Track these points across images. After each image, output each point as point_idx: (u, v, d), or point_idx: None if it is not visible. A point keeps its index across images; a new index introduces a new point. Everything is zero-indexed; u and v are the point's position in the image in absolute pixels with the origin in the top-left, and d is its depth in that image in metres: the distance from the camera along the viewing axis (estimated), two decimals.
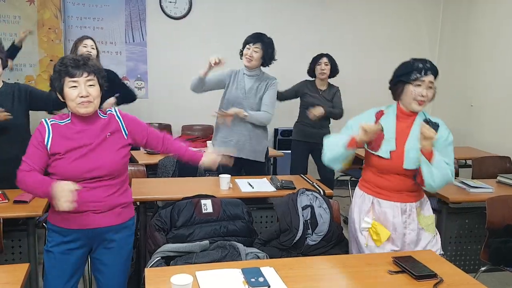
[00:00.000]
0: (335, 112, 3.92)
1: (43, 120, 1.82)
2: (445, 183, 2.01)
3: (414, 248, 2.12)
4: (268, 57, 3.09)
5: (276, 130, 5.14)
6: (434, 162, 1.95)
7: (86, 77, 1.76)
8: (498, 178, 3.17)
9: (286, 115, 4.39)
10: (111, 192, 1.86)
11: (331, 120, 4.10)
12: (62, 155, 1.77)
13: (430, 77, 2.03)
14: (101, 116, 1.88)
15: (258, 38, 3.08)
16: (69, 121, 1.82)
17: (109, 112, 1.91)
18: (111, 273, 1.94)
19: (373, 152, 2.10)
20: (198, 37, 5.03)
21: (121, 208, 1.91)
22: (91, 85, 1.78)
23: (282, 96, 3.90)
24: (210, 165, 2.17)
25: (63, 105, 1.84)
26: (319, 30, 5.21)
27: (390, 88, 2.17)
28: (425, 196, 2.22)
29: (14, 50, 3.85)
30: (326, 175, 4.11)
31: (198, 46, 5.05)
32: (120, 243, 1.93)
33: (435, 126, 2.03)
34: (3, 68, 2.53)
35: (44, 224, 2.79)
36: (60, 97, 1.80)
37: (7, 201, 2.32)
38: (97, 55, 3.52)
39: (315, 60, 3.98)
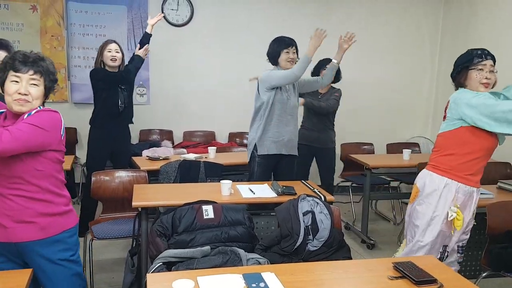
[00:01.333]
0: (318, 105, 3.96)
1: None
2: None
3: (465, 233, 2.38)
4: None
5: None
6: None
7: (30, 75, 1.69)
8: (499, 184, 3.17)
9: None
10: (23, 201, 1.69)
11: (335, 123, 4.14)
12: None
13: (490, 61, 2.24)
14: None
15: (293, 41, 3.21)
16: (3, 114, 1.76)
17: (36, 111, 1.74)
18: None
19: (494, 131, 2.18)
20: (199, 44, 5.07)
21: (45, 219, 1.73)
22: (33, 84, 1.70)
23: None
24: None
25: None
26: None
27: (453, 78, 2.35)
28: None
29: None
30: (328, 180, 4.14)
31: (199, 53, 5.09)
32: (49, 260, 1.76)
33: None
34: None
35: None
36: (0, 89, 1.73)
37: None
38: (123, 58, 3.65)
39: (322, 64, 4.00)
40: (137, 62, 3.67)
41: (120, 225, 2.96)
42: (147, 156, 3.70)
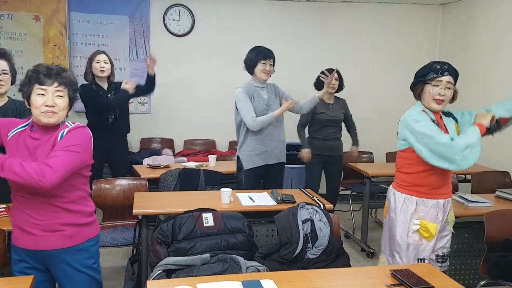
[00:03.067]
0: (355, 134, 4.23)
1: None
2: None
3: (437, 241, 2.29)
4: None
5: None
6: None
7: (55, 87, 1.73)
8: (497, 192, 3.19)
9: (287, 129, 4.42)
10: (53, 211, 1.76)
11: (343, 131, 4.18)
12: (7, 157, 1.70)
13: (448, 78, 2.16)
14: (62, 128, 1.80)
15: (272, 53, 3.23)
16: (27, 126, 1.79)
17: (65, 124, 1.81)
18: None
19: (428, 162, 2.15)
20: (200, 54, 5.12)
21: (72, 229, 1.80)
22: (59, 96, 1.74)
23: (303, 125, 4.06)
24: None
25: None
26: (321, 43, 5.29)
27: (411, 89, 2.30)
28: None
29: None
30: (334, 187, 4.16)
31: (200, 63, 5.13)
32: (73, 267, 1.82)
33: (449, 114, 2.29)
34: (11, 84, 2.57)
35: None
36: (26, 103, 1.77)
37: None
38: (112, 68, 3.65)
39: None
40: (121, 96, 3.60)
41: (120, 233, 2.98)
42: (148, 164, 3.73)
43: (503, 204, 2.96)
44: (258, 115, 3.14)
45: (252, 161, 3.20)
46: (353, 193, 4.58)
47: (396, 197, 2.32)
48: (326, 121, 4.03)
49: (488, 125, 2.12)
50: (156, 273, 1.98)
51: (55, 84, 1.73)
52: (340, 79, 4.09)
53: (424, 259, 2.27)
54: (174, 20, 5.01)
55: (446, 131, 2.22)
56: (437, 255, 2.32)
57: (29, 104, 1.76)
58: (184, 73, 5.10)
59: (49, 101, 1.72)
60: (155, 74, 3.83)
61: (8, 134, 1.79)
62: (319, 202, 2.72)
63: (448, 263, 2.39)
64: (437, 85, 2.16)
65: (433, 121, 2.20)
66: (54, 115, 1.73)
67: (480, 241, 2.83)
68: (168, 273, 2.00)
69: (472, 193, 3.42)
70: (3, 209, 2.36)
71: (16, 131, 1.80)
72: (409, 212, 2.26)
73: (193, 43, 5.10)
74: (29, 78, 1.74)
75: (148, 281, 1.74)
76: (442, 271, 2.25)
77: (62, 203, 1.77)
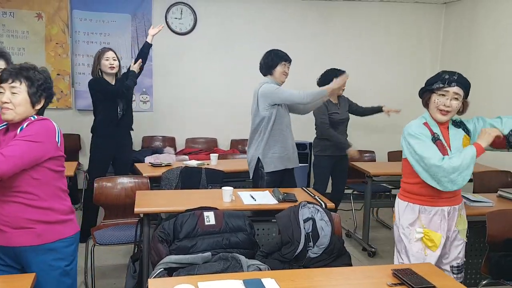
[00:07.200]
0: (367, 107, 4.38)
1: None
2: None
3: (451, 251, 2.25)
4: None
5: None
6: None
7: (10, 83, 1.74)
8: (499, 192, 3.17)
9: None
10: (18, 208, 1.72)
11: (347, 129, 4.20)
12: None
13: (455, 89, 2.10)
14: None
15: (290, 58, 3.28)
16: (6, 125, 1.84)
17: (29, 119, 1.80)
18: None
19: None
20: (202, 52, 5.12)
21: (41, 226, 1.76)
22: (14, 93, 1.74)
23: (328, 123, 4.01)
24: None
25: None
26: (323, 42, 5.29)
27: (419, 96, 2.27)
28: (462, 199, 2.31)
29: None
30: (339, 187, 4.16)
31: (202, 61, 5.13)
32: (43, 267, 1.77)
33: (462, 124, 2.24)
34: None
35: None
36: None
37: None
38: (119, 64, 3.70)
39: (330, 74, 3.93)
40: (134, 78, 3.71)
41: (122, 231, 2.98)
42: (149, 163, 3.73)
43: (505, 204, 2.95)
44: (279, 121, 3.15)
45: (274, 164, 3.17)
46: (355, 192, 4.58)
47: (399, 206, 2.30)
48: (338, 120, 4.06)
49: (486, 145, 2.07)
50: (158, 272, 1.99)
51: (10, 80, 1.75)
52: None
53: None
54: (176, 18, 5.01)
55: (449, 145, 2.16)
56: (452, 266, 2.25)
57: None
58: (186, 71, 5.11)
59: (4, 97, 1.75)
60: (151, 45, 3.89)
61: None
62: (321, 201, 2.72)
63: (463, 273, 2.32)
64: (443, 95, 2.11)
65: (434, 134, 2.15)
66: (9, 112, 1.74)
67: (482, 241, 2.82)
68: (170, 272, 2.00)
69: (474, 192, 3.40)
70: None
71: None
72: (411, 221, 2.22)
73: (195, 42, 5.10)
74: None
75: (149, 279, 1.75)
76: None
77: (27, 200, 1.73)
